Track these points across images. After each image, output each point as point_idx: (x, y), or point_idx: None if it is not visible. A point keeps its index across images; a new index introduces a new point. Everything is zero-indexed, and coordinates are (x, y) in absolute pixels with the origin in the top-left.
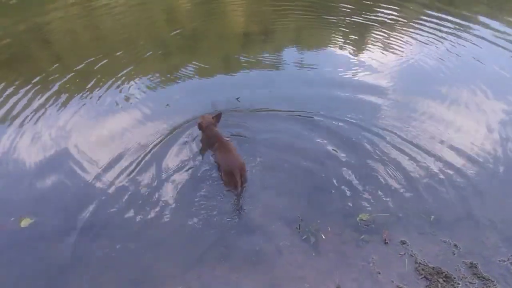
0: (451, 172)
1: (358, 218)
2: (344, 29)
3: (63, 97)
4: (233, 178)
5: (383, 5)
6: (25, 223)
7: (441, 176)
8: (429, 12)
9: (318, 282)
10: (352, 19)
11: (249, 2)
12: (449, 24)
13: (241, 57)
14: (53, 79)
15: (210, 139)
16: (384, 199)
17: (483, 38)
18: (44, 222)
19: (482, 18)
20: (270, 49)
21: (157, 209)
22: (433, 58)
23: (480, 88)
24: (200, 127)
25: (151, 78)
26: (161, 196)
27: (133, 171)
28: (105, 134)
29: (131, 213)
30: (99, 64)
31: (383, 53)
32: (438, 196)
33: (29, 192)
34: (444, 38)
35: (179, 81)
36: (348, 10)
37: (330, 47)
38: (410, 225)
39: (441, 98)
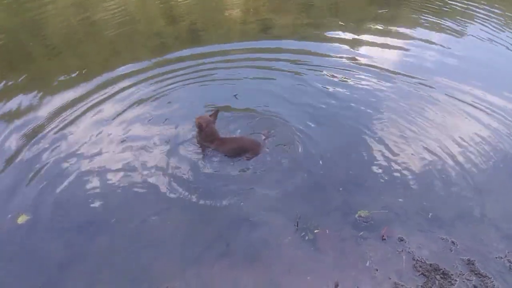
0: (449, 169)
1: (357, 215)
2: (343, 23)
3: (60, 92)
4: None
5: None
6: (21, 219)
7: (440, 174)
8: None
9: (317, 278)
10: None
11: None
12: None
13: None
14: (50, 74)
15: (209, 137)
16: (383, 196)
17: None
18: (41, 219)
19: None
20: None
21: (155, 207)
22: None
23: (480, 86)
24: (201, 126)
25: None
26: (158, 194)
27: (130, 169)
28: (103, 132)
29: (129, 211)
30: (94, 58)
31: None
32: (436, 193)
33: (26, 189)
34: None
35: (177, 78)
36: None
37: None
38: (408, 222)
39: (441, 96)
